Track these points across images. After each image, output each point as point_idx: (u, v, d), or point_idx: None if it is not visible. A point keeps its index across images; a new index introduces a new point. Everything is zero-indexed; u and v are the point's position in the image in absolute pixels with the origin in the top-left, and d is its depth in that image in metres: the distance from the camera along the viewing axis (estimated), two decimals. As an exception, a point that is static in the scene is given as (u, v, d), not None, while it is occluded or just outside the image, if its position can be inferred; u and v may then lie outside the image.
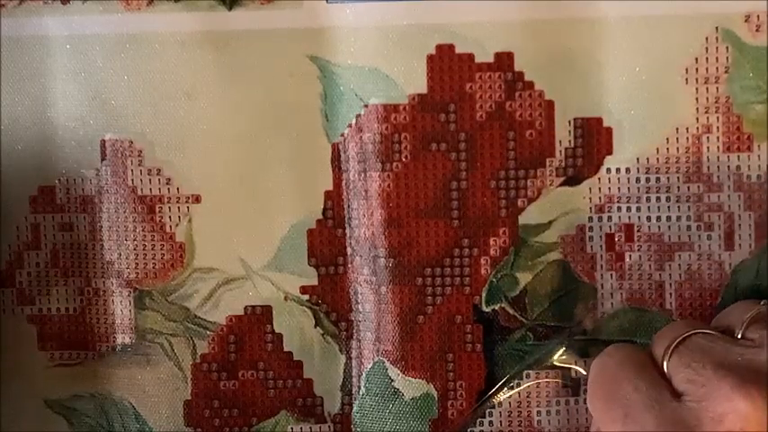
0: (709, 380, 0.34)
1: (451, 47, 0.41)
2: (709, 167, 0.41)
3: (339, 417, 0.43)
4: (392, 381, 0.42)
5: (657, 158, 0.41)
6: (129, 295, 0.43)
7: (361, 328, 0.43)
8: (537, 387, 0.42)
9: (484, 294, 0.42)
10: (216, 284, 0.43)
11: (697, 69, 0.41)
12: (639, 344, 0.40)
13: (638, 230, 0.41)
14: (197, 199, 0.43)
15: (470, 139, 0.41)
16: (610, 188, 0.41)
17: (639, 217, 0.41)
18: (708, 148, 0.41)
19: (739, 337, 0.36)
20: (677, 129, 0.41)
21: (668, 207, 0.41)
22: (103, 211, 0.43)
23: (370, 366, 0.43)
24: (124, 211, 0.43)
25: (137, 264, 0.43)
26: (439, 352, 0.42)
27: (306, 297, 0.43)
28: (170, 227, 0.43)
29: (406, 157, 0.42)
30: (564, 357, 0.42)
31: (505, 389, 0.42)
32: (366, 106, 0.42)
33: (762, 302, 0.38)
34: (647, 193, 0.41)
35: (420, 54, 0.41)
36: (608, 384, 0.37)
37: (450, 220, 0.42)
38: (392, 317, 0.42)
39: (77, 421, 0.44)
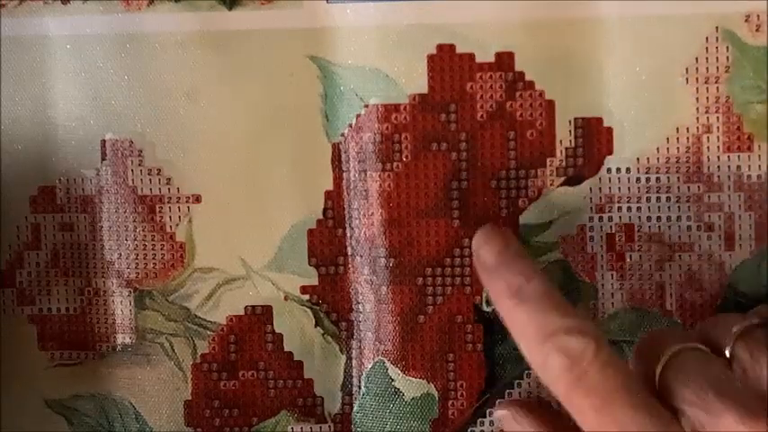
0: (712, 406, 0.33)
1: (452, 47, 0.41)
2: (709, 167, 0.41)
3: (339, 417, 0.43)
4: (393, 381, 0.42)
5: (658, 158, 0.41)
6: (129, 295, 0.43)
7: (361, 327, 0.43)
8: (537, 387, 0.42)
9: (484, 294, 0.42)
10: (216, 284, 0.43)
11: (697, 69, 0.41)
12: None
13: (639, 230, 0.42)
14: (197, 199, 0.43)
15: (471, 138, 0.41)
16: (610, 188, 0.41)
17: (640, 217, 0.41)
18: (708, 148, 0.41)
19: (728, 354, 0.35)
20: (677, 129, 0.41)
21: (668, 207, 0.41)
22: (104, 211, 0.43)
23: (370, 366, 0.43)
24: (124, 211, 0.43)
25: (137, 264, 0.43)
26: (439, 352, 0.42)
27: (306, 297, 0.43)
28: (170, 227, 0.43)
29: (406, 156, 0.42)
30: None
31: (506, 389, 0.42)
32: (366, 106, 0.42)
33: (750, 313, 0.38)
34: (647, 193, 0.41)
35: (420, 54, 0.41)
36: None
37: (450, 219, 0.42)
38: (393, 317, 0.42)
39: (77, 421, 0.44)
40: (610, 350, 0.34)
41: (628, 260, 0.42)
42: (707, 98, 0.41)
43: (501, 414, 0.41)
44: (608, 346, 0.35)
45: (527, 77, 0.41)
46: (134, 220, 0.43)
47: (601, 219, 0.42)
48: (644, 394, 0.34)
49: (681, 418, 0.34)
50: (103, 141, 0.43)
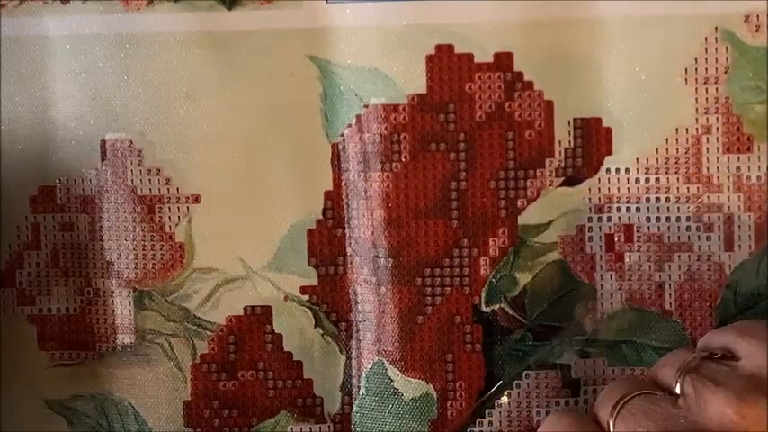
0: None
1: (451, 47, 0.41)
2: (708, 168, 0.41)
3: (339, 417, 0.43)
4: (392, 381, 0.42)
5: (657, 159, 0.41)
6: (128, 295, 0.43)
7: (360, 328, 0.43)
8: (537, 387, 0.42)
9: (483, 294, 0.42)
10: (216, 284, 0.43)
11: (696, 69, 0.41)
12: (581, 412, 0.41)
13: (638, 231, 0.41)
14: (197, 199, 0.43)
15: (470, 139, 0.41)
16: (609, 188, 0.41)
17: (639, 217, 0.41)
18: (707, 148, 0.41)
19: (678, 392, 0.35)
20: (677, 129, 0.41)
21: (668, 208, 0.41)
22: (103, 211, 0.43)
23: (369, 366, 0.43)
24: (124, 212, 0.43)
25: (137, 264, 0.43)
26: (438, 352, 0.42)
27: (306, 297, 0.43)
28: (170, 227, 0.43)
29: (405, 157, 0.42)
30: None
31: (505, 389, 0.42)
32: (366, 106, 0.42)
33: (698, 347, 0.38)
34: (646, 193, 0.41)
35: (419, 54, 0.41)
36: None
37: (449, 220, 0.42)
38: (392, 317, 0.42)
39: (77, 421, 0.44)
40: None
41: (627, 260, 0.42)
42: (706, 99, 0.41)
43: None
44: None
45: (526, 78, 0.41)
46: (134, 221, 0.43)
47: (600, 219, 0.42)
48: None
49: None
50: (103, 141, 0.43)
